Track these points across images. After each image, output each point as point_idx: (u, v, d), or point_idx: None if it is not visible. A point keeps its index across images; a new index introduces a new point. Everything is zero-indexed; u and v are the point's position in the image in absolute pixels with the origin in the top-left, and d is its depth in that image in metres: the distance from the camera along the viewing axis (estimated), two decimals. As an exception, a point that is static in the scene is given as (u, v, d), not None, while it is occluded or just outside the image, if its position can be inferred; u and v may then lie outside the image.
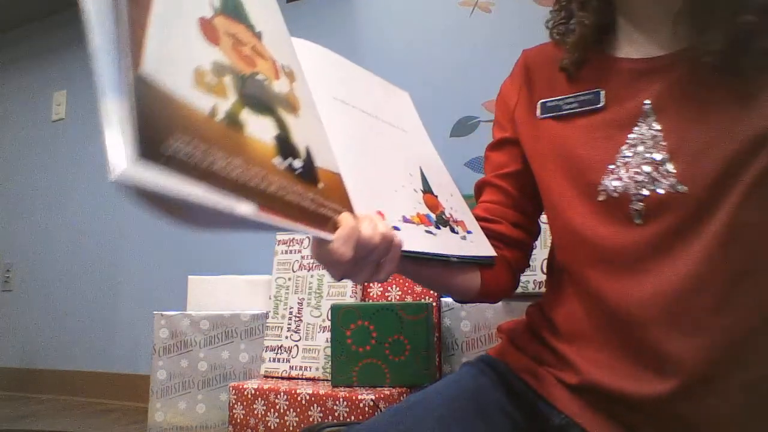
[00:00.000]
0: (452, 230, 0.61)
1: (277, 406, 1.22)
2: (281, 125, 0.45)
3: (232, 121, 0.40)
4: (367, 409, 1.10)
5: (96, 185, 2.42)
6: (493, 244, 0.67)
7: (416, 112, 0.74)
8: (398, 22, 1.89)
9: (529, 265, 0.76)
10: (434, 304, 1.32)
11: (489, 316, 1.27)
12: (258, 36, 0.47)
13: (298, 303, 1.48)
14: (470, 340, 1.29)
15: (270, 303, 1.53)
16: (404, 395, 1.19)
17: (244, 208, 0.38)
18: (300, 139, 0.46)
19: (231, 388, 1.29)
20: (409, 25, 1.87)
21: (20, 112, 2.75)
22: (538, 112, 0.69)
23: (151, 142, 0.32)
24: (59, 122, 2.61)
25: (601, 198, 0.60)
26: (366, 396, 1.12)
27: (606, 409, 0.59)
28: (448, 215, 0.63)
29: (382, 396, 1.13)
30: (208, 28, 0.42)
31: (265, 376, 1.43)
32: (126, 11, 0.35)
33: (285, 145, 0.44)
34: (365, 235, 0.46)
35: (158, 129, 0.33)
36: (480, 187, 0.76)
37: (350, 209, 0.48)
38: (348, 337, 1.24)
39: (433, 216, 0.60)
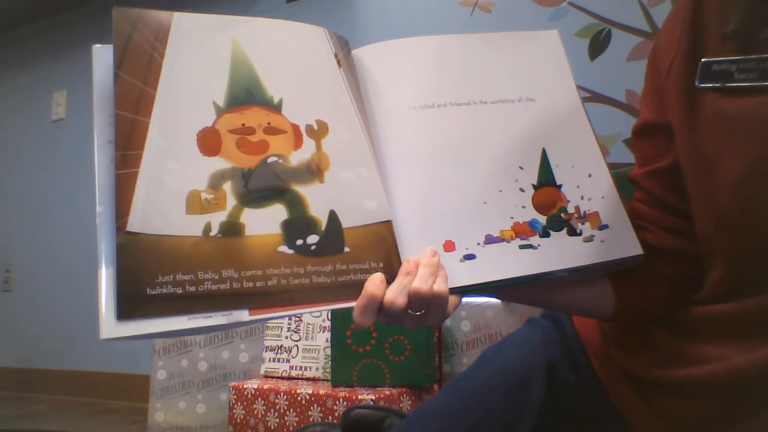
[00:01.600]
0: (571, 231, 0.50)
1: (277, 406, 1.22)
2: (295, 203, 0.45)
3: (230, 229, 0.42)
4: (369, 403, 1.10)
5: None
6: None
7: (564, 56, 0.58)
8: (398, 23, 1.89)
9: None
10: (434, 304, 1.31)
11: (489, 316, 1.27)
12: (277, 107, 0.47)
13: (298, 303, 1.48)
14: (470, 340, 1.29)
15: (270, 303, 1.53)
16: (404, 395, 1.19)
17: (234, 317, 0.40)
18: (322, 206, 0.46)
19: (231, 388, 1.29)
20: (408, 26, 1.87)
21: (20, 112, 2.75)
22: (698, 77, 0.47)
23: (133, 296, 0.38)
24: (59, 122, 2.61)
25: None
26: (366, 396, 1.12)
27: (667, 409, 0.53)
28: (571, 211, 0.51)
29: (382, 396, 1.13)
30: (207, 140, 0.44)
31: (265, 376, 1.43)
32: (114, 177, 0.41)
33: (297, 225, 0.44)
34: (387, 300, 0.44)
35: (143, 278, 0.39)
36: (631, 183, 0.59)
37: (395, 259, 0.47)
38: (348, 337, 1.24)
39: (542, 220, 0.50)
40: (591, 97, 1.53)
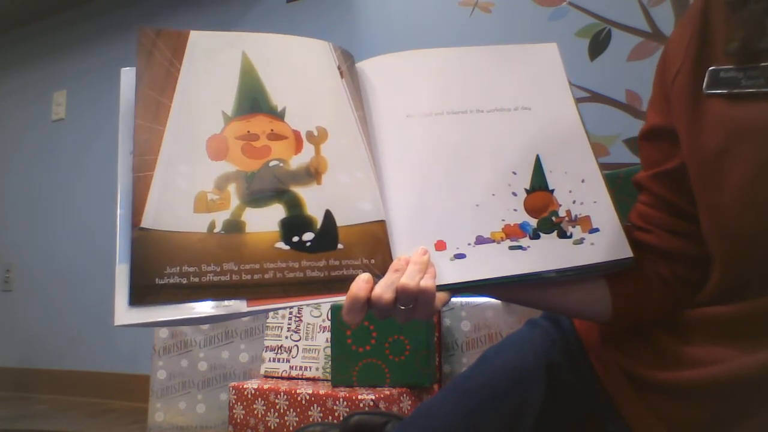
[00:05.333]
0: (562, 234, 0.52)
1: (277, 406, 1.22)
2: (293, 203, 0.49)
3: (232, 227, 0.46)
4: (366, 409, 1.10)
5: (96, 185, 2.42)
6: (643, 258, 0.53)
7: (562, 67, 0.60)
8: (398, 23, 1.89)
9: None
10: (434, 304, 1.31)
11: (489, 316, 1.27)
12: (280, 115, 0.51)
13: (298, 303, 1.48)
14: (470, 340, 1.29)
15: (270, 303, 1.53)
16: (404, 395, 1.19)
17: (234, 307, 0.44)
18: (319, 206, 0.49)
19: (231, 388, 1.29)
20: (408, 26, 1.87)
21: (20, 112, 2.75)
22: (706, 84, 0.48)
23: (144, 284, 0.42)
24: (59, 122, 2.61)
25: None
26: (366, 396, 1.12)
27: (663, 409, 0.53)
28: (562, 214, 0.52)
29: (382, 396, 1.13)
30: (216, 146, 0.48)
31: (265, 376, 1.43)
32: (131, 177, 0.45)
33: (294, 223, 0.48)
34: (375, 294, 0.46)
35: (153, 269, 0.43)
36: (636, 186, 0.59)
37: (387, 256, 0.49)
38: (348, 337, 1.24)
39: (532, 223, 0.52)
40: (591, 97, 1.53)
